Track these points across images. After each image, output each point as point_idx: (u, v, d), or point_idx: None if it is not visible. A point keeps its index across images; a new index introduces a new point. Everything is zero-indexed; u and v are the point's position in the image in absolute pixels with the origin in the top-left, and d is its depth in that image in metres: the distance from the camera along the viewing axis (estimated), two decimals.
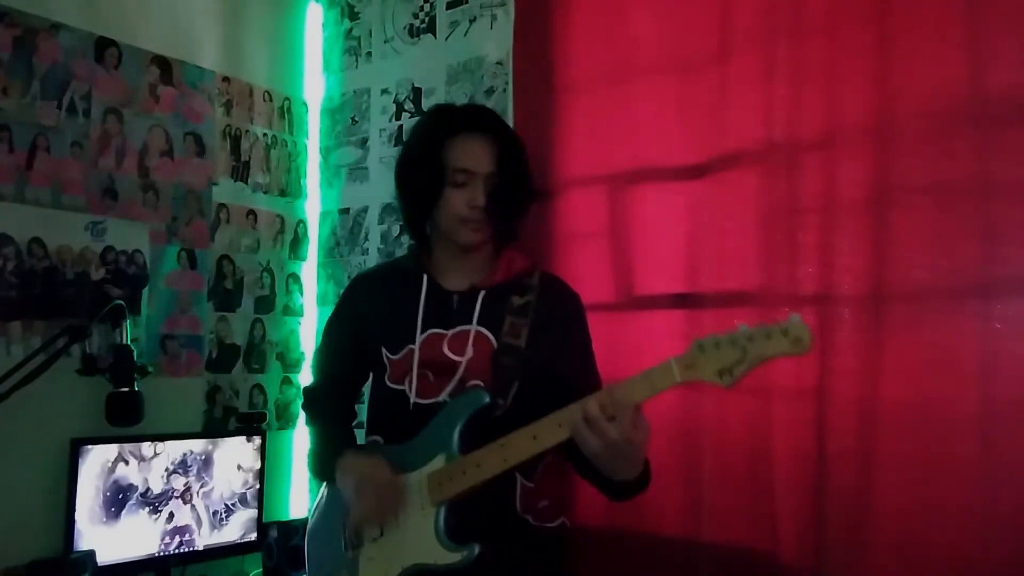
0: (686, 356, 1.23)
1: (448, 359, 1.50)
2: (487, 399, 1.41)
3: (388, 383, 1.55)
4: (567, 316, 1.59)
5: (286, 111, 2.95)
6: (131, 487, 2.25)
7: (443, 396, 1.49)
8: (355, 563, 1.50)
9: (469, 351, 1.49)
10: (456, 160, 1.49)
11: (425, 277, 1.57)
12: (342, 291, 1.76)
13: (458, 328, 1.52)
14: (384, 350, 1.56)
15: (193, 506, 2.38)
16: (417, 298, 1.55)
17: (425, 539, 1.40)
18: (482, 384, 1.47)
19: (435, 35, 2.69)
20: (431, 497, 1.41)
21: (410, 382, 1.51)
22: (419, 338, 1.52)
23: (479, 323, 1.50)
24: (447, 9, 2.65)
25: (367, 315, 1.63)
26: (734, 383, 1.20)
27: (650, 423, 1.30)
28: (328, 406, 1.70)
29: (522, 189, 1.54)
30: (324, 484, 1.65)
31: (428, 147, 1.52)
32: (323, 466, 1.59)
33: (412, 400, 1.51)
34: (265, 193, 2.87)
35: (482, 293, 1.53)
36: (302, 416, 1.93)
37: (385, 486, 1.43)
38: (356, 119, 2.91)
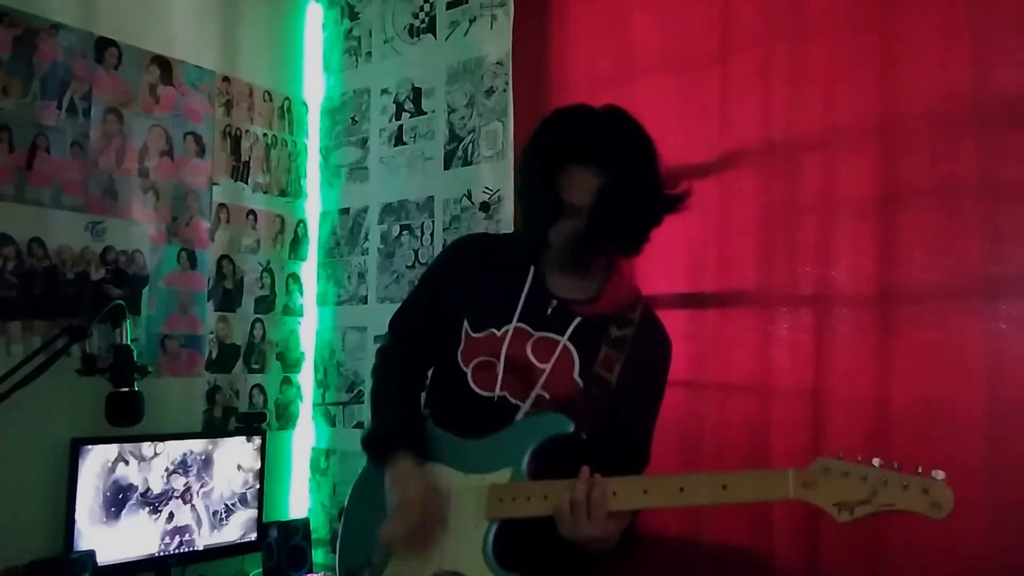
0: (807, 473, 1.15)
1: (527, 360, 1.46)
2: (571, 429, 1.36)
3: (458, 360, 1.50)
4: (654, 364, 1.54)
5: (286, 111, 2.95)
6: (131, 487, 2.25)
7: (507, 395, 1.45)
8: (392, 546, 1.44)
9: (551, 361, 1.45)
10: (563, 191, 1.41)
11: (532, 269, 1.52)
12: (443, 250, 1.68)
13: (545, 334, 1.47)
14: (466, 323, 1.51)
15: (193, 506, 2.38)
16: (521, 286, 1.50)
17: (470, 551, 1.36)
18: (553, 400, 1.43)
19: (435, 35, 2.69)
20: (489, 510, 1.37)
21: (491, 375, 1.46)
22: (513, 324, 1.47)
23: (570, 339, 1.46)
24: (447, 9, 2.65)
25: (461, 282, 1.56)
26: (851, 521, 1.11)
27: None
28: (398, 376, 1.61)
29: (629, 217, 1.43)
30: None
31: (539, 178, 1.44)
32: (374, 450, 1.51)
33: (474, 389, 1.47)
34: (265, 193, 2.87)
35: (578, 319, 1.47)
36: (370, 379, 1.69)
37: (421, 521, 1.38)
38: (356, 119, 2.91)
